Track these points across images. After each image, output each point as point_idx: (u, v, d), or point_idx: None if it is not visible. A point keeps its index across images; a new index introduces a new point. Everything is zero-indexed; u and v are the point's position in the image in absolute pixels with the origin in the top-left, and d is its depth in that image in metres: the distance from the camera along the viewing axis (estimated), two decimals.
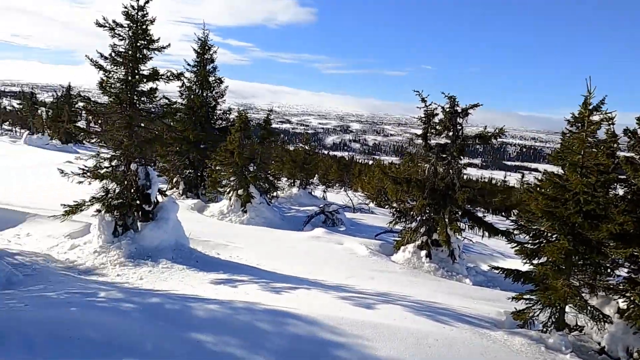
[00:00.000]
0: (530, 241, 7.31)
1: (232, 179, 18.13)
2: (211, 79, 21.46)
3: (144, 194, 9.68)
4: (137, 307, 6.10)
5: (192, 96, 21.04)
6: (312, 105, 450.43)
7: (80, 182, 9.62)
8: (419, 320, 6.80)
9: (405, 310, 7.41)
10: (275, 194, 20.88)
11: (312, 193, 27.70)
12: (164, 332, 5.65)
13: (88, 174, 9.41)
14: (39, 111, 52.10)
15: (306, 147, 27.31)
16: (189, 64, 21.25)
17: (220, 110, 22.24)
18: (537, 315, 7.19)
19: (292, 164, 26.97)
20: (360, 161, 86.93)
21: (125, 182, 9.60)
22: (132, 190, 9.66)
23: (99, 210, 9.69)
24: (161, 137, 9.73)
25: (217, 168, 18.28)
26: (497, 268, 7.80)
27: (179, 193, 20.71)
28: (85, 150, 40.72)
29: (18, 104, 61.73)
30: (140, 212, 9.78)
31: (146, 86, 9.56)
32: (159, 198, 10.16)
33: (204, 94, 21.25)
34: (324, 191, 28.34)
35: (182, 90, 21.17)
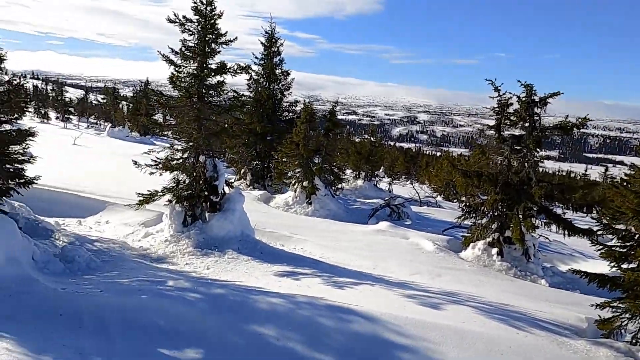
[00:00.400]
0: (618, 243, 6.62)
1: (297, 170, 18.24)
2: (278, 71, 21.68)
3: (212, 185, 9.92)
4: (202, 297, 6.23)
5: (259, 89, 21.39)
6: (378, 96, 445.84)
7: (152, 174, 10.02)
8: (489, 324, 6.40)
9: (474, 312, 7.02)
10: (340, 186, 20.80)
11: (378, 185, 27.31)
12: (227, 323, 5.72)
13: (160, 165, 9.76)
14: (120, 105, 55.59)
15: (372, 139, 26.91)
16: (256, 57, 21.59)
17: (287, 102, 22.44)
18: (626, 325, 6.51)
19: (358, 155, 26.71)
20: (427, 153, 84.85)
21: (194, 174, 9.88)
22: (201, 182, 9.92)
23: (170, 201, 10.06)
24: (228, 130, 9.90)
25: (283, 160, 18.46)
26: (578, 272, 7.16)
27: (247, 184, 21.20)
28: (161, 142, 42.87)
29: (102, 98, 66.23)
30: (208, 203, 10.03)
31: (214, 80, 9.74)
32: (226, 189, 10.37)
33: (271, 87, 21.52)
34: (390, 184, 27.84)
35: (250, 83, 21.58)
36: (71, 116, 55.90)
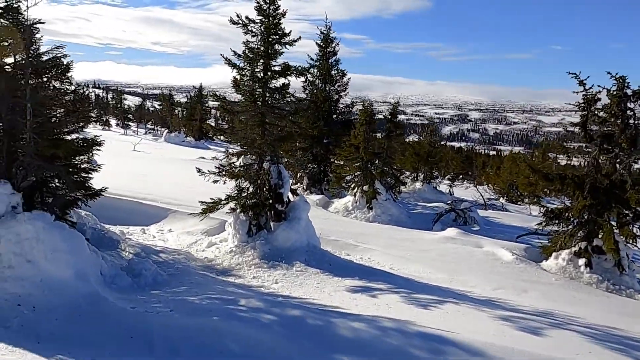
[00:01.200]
0: None
1: (357, 174, 17.58)
2: (334, 72, 21.11)
3: (277, 193, 9.44)
4: (277, 320, 5.69)
5: (315, 91, 20.90)
6: (427, 95, 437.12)
7: (215, 182, 9.67)
8: (609, 357, 5.46)
9: (584, 339, 6.09)
10: (399, 189, 19.94)
11: (437, 188, 26.17)
12: (306, 351, 5.14)
13: (223, 172, 9.39)
14: (176, 111, 57.10)
15: (430, 139, 25.80)
16: (311, 59, 21.12)
17: (343, 104, 21.84)
18: None
19: (416, 157, 25.68)
20: (481, 152, 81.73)
21: (259, 181, 9.44)
22: (265, 189, 9.47)
23: (233, 209, 9.68)
24: (293, 134, 9.39)
25: (341, 163, 17.85)
26: None
27: (303, 188, 20.75)
28: (215, 147, 43.54)
29: (158, 105, 68.37)
30: (272, 212, 9.56)
31: (278, 82, 9.26)
32: (291, 197, 9.87)
33: (327, 88, 20.98)
34: (451, 186, 26.61)
35: (306, 86, 21.12)
36: (130, 123, 58.00)
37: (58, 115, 6.79)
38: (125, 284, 6.88)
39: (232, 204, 9.70)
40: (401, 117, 17.62)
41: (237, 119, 9.58)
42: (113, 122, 58.14)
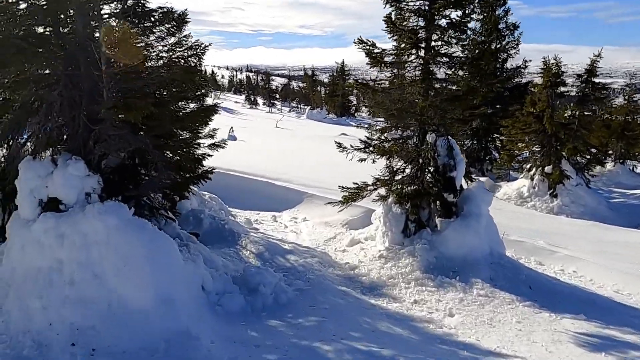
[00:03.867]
0: None
1: (534, 151, 13.74)
2: (501, 25, 17.06)
3: (446, 177, 6.61)
4: None
5: (476, 50, 17.13)
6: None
7: (362, 160, 7.22)
8: None
9: None
10: (591, 172, 15.41)
11: (635, 170, 20.45)
12: None
13: (370, 148, 6.87)
14: (318, 88, 56.71)
15: (630, 107, 20.07)
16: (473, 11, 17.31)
17: (512, 65, 17.70)
18: None
19: (604, 130, 20.23)
20: None
21: (420, 160, 6.72)
22: (429, 172, 6.73)
23: (383, 197, 7.13)
24: (473, 92, 6.44)
25: (511, 138, 14.10)
26: None
27: None
28: (357, 123, 41.54)
29: (302, 84, 69.18)
30: (439, 203, 6.78)
31: (451, 13, 6.35)
32: (463, 183, 6.96)
33: (494, 46, 17.06)
34: None
35: (465, 45, 17.45)
36: (275, 101, 59.33)
37: (148, 71, 4.86)
38: (234, 306, 4.80)
39: (382, 190, 7.17)
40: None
41: (390, 72, 6.90)
42: (260, 101, 60.11)
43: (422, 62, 6.59)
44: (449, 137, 6.76)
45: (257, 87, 73.12)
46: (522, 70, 17.66)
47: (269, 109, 53.38)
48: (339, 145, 7.14)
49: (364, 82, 6.69)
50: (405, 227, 6.83)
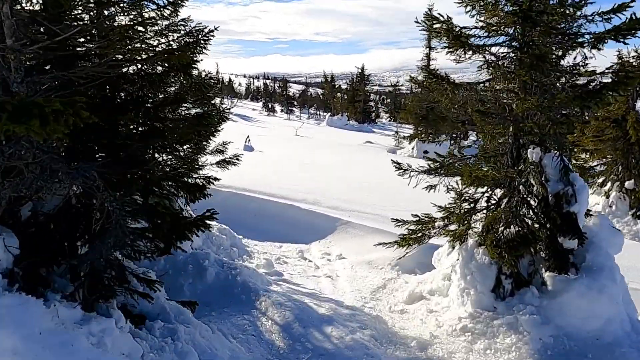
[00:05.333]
0: None
1: (608, 161, 11.45)
2: None
3: (562, 212, 4.44)
4: None
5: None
6: None
7: (430, 187, 5.13)
8: None
9: None
10: None
11: None
12: None
13: (440, 170, 4.78)
14: (338, 94, 54.81)
15: None
16: None
17: (568, 63, 15.33)
18: None
19: None
20: None
21: (520, 187, 4.58)
22: (536, 203, 4.58)
23: (458, 237, 5.02)
24: (609, 90, 4.29)
25: (583, 146, 11.79)
26: None
27: None
28: (380, 130, 39.54)
29: (321, 91, 67.36)
30: (549, 252, 4.62)
31: None
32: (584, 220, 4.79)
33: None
34: None
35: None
36: (293, 108, 57.53)
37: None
38: None
39: (456, 227, 5.06)
40: None
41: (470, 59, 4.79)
42: (278, 108, 58.46)
43: (527, 41, 4.49)
44: (562, 152, 4.62)
45: (275, 94, 71.80)
46: (581, 67, 15.29)
47: (287, 115, 51.68)
48: (398, 166, 5.05)
49: (440, 74, 4.59)
50: (498, 285, 4.69)
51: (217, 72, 59.00)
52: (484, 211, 4.90)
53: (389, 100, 70.51)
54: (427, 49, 24.36)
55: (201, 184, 4.79)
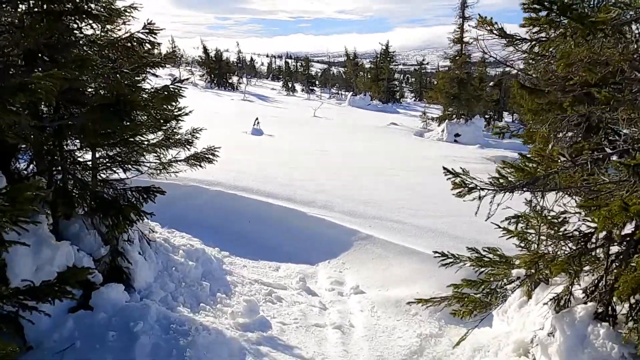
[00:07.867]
0: None
1: None
2: None
3: None
4: None
5: None
6: None
7: (497, 206, 3.00)
8: None
9: None
10: None
11: None
12: None
13: (536, 186, 2.64)
14: (361, 73, 52.17)
15: None
16: None
17: None
18: None
19: None
20: None
21: None
22: None
23: (558, 301, 2.90)
24: None
25: None
26: None
27: None
28: (405, 110, 37.11)
29: (343, 69, 64.80)
30: None
31: None
32: None
33: None
34: None
35: None
36: (315, 88, 55.33)
37: None
38: None
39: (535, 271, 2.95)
40: None
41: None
42: (298, 87, 56.33)
43: None
44: None
45: (296, 73, 69.61)
46: None
47: (307, 95, 49.48)
48: (448, 171, 2.94)
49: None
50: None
51: (239, 52, 56.96)
52: (604, 257, 2.77)
53: (414, 80, 67.54)
54: (460, 20, 21.72)
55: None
